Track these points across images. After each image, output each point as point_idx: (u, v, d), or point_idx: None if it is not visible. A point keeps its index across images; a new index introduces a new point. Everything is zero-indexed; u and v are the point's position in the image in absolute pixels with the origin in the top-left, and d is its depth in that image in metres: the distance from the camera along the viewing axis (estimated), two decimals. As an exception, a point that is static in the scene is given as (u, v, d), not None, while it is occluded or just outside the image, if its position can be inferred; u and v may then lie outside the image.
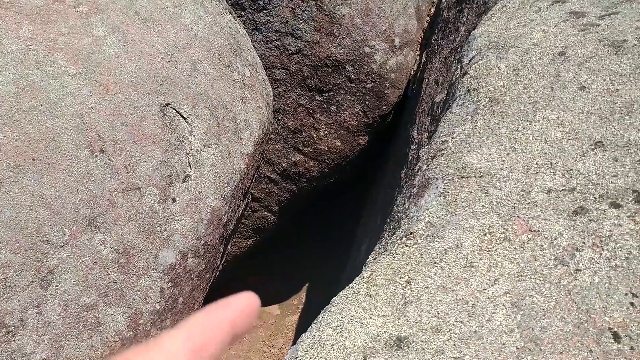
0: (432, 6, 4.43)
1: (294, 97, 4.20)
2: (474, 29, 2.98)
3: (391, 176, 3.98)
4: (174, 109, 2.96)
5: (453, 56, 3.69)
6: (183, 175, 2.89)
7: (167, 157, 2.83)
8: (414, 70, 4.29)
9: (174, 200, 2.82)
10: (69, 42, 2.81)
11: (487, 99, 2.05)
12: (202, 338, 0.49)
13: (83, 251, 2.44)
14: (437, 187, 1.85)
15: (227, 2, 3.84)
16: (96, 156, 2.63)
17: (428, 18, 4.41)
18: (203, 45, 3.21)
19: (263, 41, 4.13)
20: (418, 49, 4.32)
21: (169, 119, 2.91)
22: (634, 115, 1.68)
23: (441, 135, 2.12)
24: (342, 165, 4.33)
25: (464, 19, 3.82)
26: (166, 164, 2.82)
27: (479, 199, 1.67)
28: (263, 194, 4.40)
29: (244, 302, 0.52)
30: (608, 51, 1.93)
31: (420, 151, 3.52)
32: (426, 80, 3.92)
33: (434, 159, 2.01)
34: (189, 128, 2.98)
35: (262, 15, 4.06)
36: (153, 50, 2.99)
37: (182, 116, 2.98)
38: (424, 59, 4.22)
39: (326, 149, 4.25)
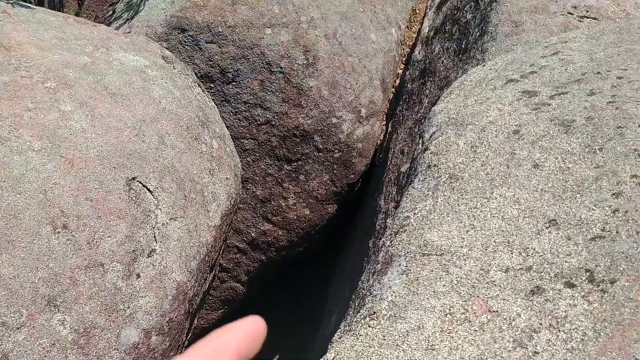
0: (397, 78, 4.60)
1: (262, 166, 4.24)
2: (436, 101, 3.09)
3: (359, 245, 3.99)
4: (140, 182, 2.95)
5: (417, 127, 3.80)
6: (148, 249, 2.85)
7: (132, 232, 2.80)
8: (380, 140, 4.39)
9: (138, 276, 2.77)
10: (35, 118, 2.82)
11: (447, 175, 2.10)
12: None
13: (41, 333, 2.36)
14: (399, 265, 1.87)
15: (196, 75, 3.92)
16: (58, 232, 2.59)
17: (393, 89, 4.56)
18: (171, 118, 3.25)
19: (232, 112, 4.20)
20: (384, 119, 4.44)
21: (135, 192, 2.90)
22: (585, 194, 1.74)
23: (404, 210, 2.15)
24: (311, 234, 4.33)
25: (427, 91, 3.96)
26: (131, 238, 2.79)
27: (440, 278, 1.69)
28: (232, 264, 4.35)
29: (250, 326, 0.52)
30: (559, 130, 2.02)
31: (387, 220, 3.56)
32: (392, 150, 4.01)
33: (397, 235, 2.03)
34: (155, 201, 2.97)
35: (231, 87, 4.15)
36: (120, 124, 3.02)
37: (148, 190, 2.97)
38: (390, 129, 4.33)
39: (295, 218, 4.26)
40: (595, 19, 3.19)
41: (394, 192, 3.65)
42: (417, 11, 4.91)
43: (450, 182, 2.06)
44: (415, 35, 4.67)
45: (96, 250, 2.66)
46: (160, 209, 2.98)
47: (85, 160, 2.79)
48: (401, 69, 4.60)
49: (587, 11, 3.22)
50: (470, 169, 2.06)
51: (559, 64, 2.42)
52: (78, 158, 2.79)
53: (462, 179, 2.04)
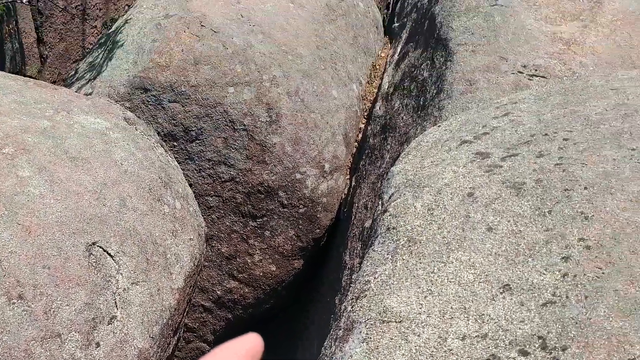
0: (360, 132, 4.68)
1: (227, 223, 4.23)
2: (397, 157, 3.15)
3: (325, 299, 3.98)
4: (100, 247, 2.91)
5: (380, 182, 3.85)
6: (109, 316, 2.79)
7: (91, 299, 2.74)
8: (344, 194, 4.43)
9: (98, 344, 2.69)
10: (-9, 185, 2.77)
11: (405, 238, 2.14)
12: None
13: (-7, 411, 2.27)
14: (360, 332, 1.87)
15: (159, 133, 3.93)
16: (14, 303, 2.52)
17: (356, 144, 4.64)
18: (133, 180, 3.23)
19: (196, 170, 4.20)
20: (348, 173, 4.50)
21: (95, 258, 2.85)
22: (536, 258, 1.78)
23: (364, 274, 2.17)
24: (277, 290, 4.30)
25: (388, 146, 4.04)
26: (90, 306, 2.73)
27: (399, 347, 1.70)
28: (197, 324, 4.27)
29: (249, 344, 0.53)
30: (510, 193, 2.08)
31: (352, 276, 3.56)
32: (356, 204, 4.05)
33: (358, 300, 2.04)
34: (116, 266, 2.92)
35: (194, 145, 4.17)
36: (81, 189, 2.99)
37: (109, 254, 2.93)
38: (353, 183, 4.39)
39: (261, 274, 4.23)
40: (544, 77, 3.34)
41: (358, 248, 3.67)
42: (377, 67, 5.06)
43: (409, 246, 2.09)
44: (376, 90, 4.80)
45: (53, 320, 2.59)
46: (121, 274, 2.93)
47: (43, 227, 2.75)
48: (363, 123, 4.70)
49: (536, 70, 3.37)
50: (428, 232, 2.10)
51: (510, 125, 2.52)
52: (36, 225, 2.74)
53: (420, 242, 2.08)
